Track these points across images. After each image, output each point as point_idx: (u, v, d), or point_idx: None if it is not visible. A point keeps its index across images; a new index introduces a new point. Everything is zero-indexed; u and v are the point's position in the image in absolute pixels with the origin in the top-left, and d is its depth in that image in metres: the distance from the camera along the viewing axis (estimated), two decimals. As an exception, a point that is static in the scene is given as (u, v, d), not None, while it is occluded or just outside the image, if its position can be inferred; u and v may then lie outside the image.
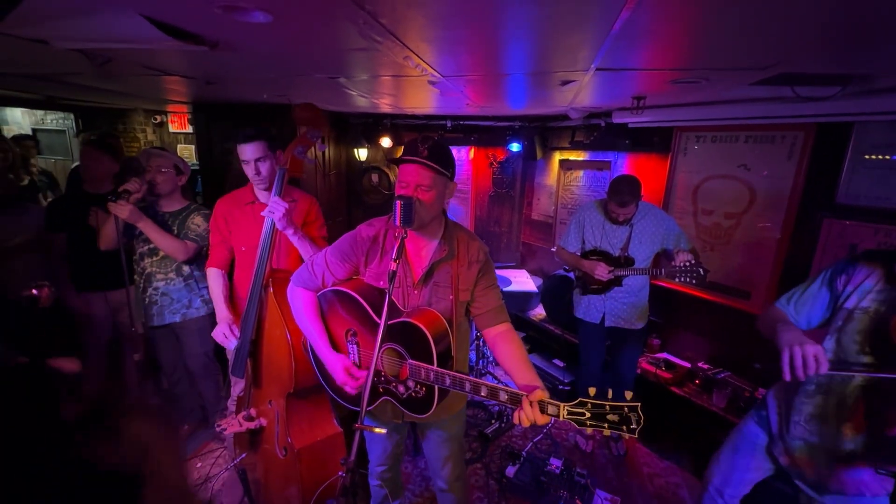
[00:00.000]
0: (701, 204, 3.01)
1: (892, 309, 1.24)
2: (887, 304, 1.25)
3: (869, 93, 1.94)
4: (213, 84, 2.42)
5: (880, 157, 2.22)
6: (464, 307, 1.50)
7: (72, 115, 5.11)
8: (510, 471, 2.52)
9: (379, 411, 1.55)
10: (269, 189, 1.98)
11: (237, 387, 2.18)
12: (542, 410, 1.14)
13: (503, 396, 1.20)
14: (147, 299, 2.47)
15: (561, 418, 1.12)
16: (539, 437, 2.93)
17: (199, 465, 2.58)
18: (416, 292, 1.45)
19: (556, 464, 2.50)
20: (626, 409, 1.08)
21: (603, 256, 2.55)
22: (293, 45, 1.48)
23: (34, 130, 5.38)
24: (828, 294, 1.39)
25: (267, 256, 1.81)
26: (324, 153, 4.22)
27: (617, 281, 2.54)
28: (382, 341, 1.42)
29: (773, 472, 1.56)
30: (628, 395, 1.09)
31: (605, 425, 1.09)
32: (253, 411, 1.93)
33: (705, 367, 2.94)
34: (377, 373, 1.46)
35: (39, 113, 5.31)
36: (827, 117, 2.17)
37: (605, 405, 1.09)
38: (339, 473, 1.10)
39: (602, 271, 2.45)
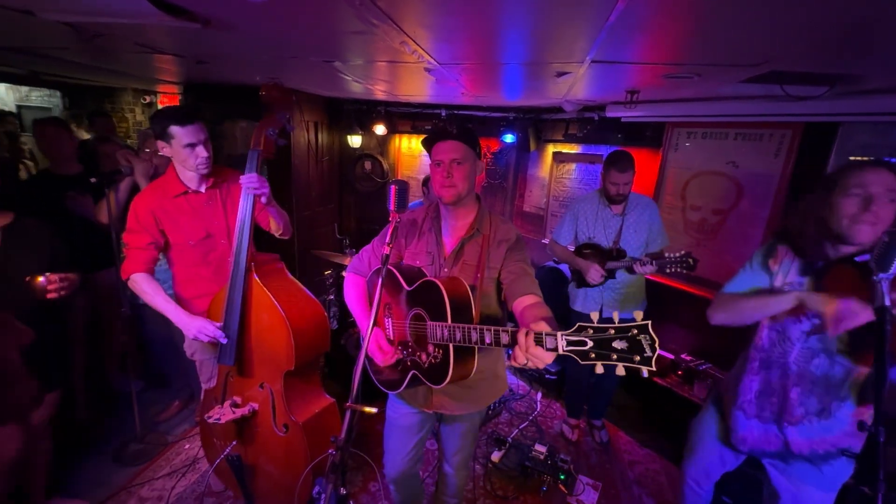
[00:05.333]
0: (690, 200, 3.05)
1: (816, 282, 1.35)
2: (807, 277, 1.37)
3: (854, 94, 1.99)
4: (205, 64, 2.39)
5: (864, 157, 2.27)
6: (492, 282, 1.49)
7: (58, 93, 5.00)
8: (496, 456, 2.57)
9: (409, 396, 1.59)
10: (211, 175, 1.92)
11: (211, 382, 2.07)
12: (539, 342, 1.02)
13: (505, 339, 1.15)
14: None
15: (560, 351, 0.98)
16: (525, 425, 2.98)
17: (187, 446, 2.58)
18: (446, 270, 1.50)
19: (540, 450, 2.55)
20: (634, 330, 0.86)
21: (595, 249, 2.58)
22: (287, 25, 1.46)
23: (18, 107, 5.24)
24: (766, 276, 1.48)
25: (248, 240, 1.72)
26: (317, 139, 4.18)
27: (610, 273, 2.57)
28: (409, 307, 1.44)
29: (740, 461, 1.63)
30: (638, 314, 0.91)
31: (614, 356, 0.90)
32: (238, 399, 1.90)
33: (688, 358, 3.01)
34: (405, 343, 1.47)
35: (24, 89, 5.17)
36: (814, 117, 2.22)
37: (609, 328, 0.92)
38: (329, 451, 1.12)
39: (595, 275, 2.45)
